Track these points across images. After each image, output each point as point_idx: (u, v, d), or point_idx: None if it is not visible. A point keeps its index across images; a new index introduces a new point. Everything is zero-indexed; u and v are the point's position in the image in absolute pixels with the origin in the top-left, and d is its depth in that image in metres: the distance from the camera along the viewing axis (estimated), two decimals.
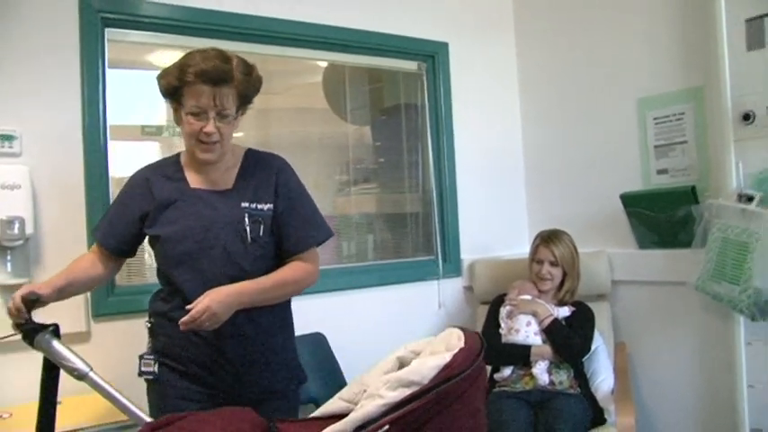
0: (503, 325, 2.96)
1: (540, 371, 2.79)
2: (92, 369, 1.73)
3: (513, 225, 3.69)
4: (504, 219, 3.70)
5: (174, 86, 1.84)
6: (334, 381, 2.96)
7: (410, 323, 3.38)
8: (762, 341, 2.62)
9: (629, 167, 3.19)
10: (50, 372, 1.74)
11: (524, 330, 2.86)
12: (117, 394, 1.71)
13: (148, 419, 1.66)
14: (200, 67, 1.81)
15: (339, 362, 3.01)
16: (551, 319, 2.85)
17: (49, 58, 2.48)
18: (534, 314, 2.88)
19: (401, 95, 3.60)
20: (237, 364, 1.92)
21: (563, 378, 2.81)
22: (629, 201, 3.12)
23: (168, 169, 1.99)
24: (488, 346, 2.43)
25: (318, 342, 3.01)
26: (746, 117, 2.59)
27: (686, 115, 2.97)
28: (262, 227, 1.94)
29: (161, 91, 1.90)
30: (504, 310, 2.99)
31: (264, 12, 2.98)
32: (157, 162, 2.07)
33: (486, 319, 3.06)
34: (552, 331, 2.82)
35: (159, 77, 1.89)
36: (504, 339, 2.90)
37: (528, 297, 2.96)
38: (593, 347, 2.90)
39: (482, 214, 3.62)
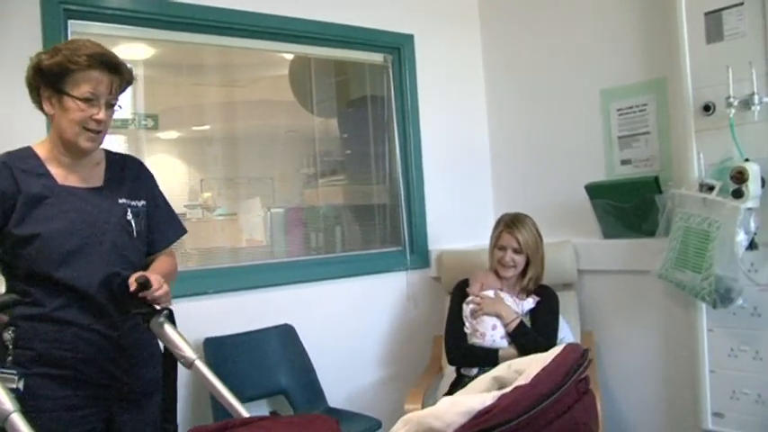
0: (467, 324, 2.84)
1: None
2: (199, 357, 1.73)
3: (479, 216, 3.72)
4: (470, 209, 3.73)
5: (63, 68, 1.75)
6: (304, 372, 2.98)
7: (378, 314, 3.40)
8: (722, 328, 2.68)
9: (594, 158, 3.24)
10: (169, 358, 1.75)
11: (490, 334, 2.74)
12: (220, 386, 1.70)
13: (246, 414, 1.64)
14: (98, 52, 1.78)
15: (308, 353, 3.02)
16: (517, 322, 2.74)
17: (9, 51, 2.43)
18: (499, 316, 2.76)
19: (367, 87, 3.60)
20: (131, 356, 1.89)
21: None
22: (594, 191, 3.16)
23: (25, 164, 1.83)
24: (455, 347, 2.80)
25: (287, 333, 3.02)
26: (707, 108, 2.63)
27: (649, 106, 3.02)
28: (143, 221, 1.97)
29: (39, 72, 1.78)
30: (467, 308, 2.86)
31: (230, 4, 2.96)
32: (6, 153, 1.86)
33: (450, 314, 2.94)
34: (518, 336, 2.73)
35: (41, 58, 1.78)
36: (469, 340, 2.79)
37: (491, 293, 2.83)
38: (560, 337, 2.91)
39: (449, 205, 3.64)
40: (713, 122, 2.63)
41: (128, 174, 2.00)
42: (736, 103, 2.52)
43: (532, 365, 1.11)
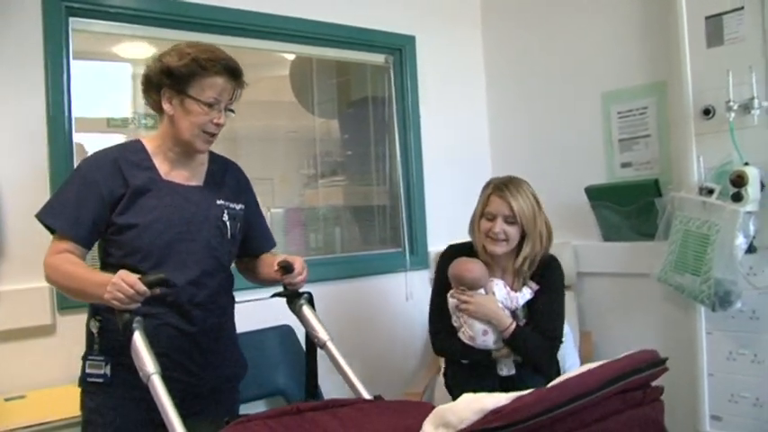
0: (453, 317, 2.40)
1: (507, 369, 2.38)
2: (331, 339, 1.89)
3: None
4: (470, 211, 3.67)
5: (192, 72, 1.81)
6: (302, 373, 2.96)
7: (378, 315, 3.40)
8: (721, 331, 2.69)
9: (594, 161, 3.25)
10: (310, 340, 1.94)
11: (481, 339, 2.32)
12: (346, 367, 1.84)
13: (368, 396, 1.78)
14: (225, 59, 1.85)
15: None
16: (512, 329, 2.28)
17: (10, 48, 2.44)
18: (489, 323, 2.31)
19: (368, 88, 3.60)
20: (207, 353, 1.93)
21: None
22: (594, 193, 3.17)
23: (133, 156, 1.89)
24: (443, 344, 2.44)
25: (286, 334, 3.01)
26: (707, 112, 2.64)
27: (649, 110, 3.03)
28: (238, 225, 2.02)
29: (166, 73, 1.83)
30: (452, 301, 2.39)
31: (232, 3, 2.96)
32: (118, 146, 1.96)
33: (434, 299, 2.52)
34: (515, 343, 2.30)
35: (169, 60, 1.83)
36: (458, 332, 2.38)
37: (481, 291, 2.36)
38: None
39: (449, 207, 3.64)
40: (713, 126, 2.64)
41: (229, 177, 2.07)
42: (736, 107, 2.53)
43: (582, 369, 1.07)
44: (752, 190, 2.49)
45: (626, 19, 3.13)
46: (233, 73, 1.87)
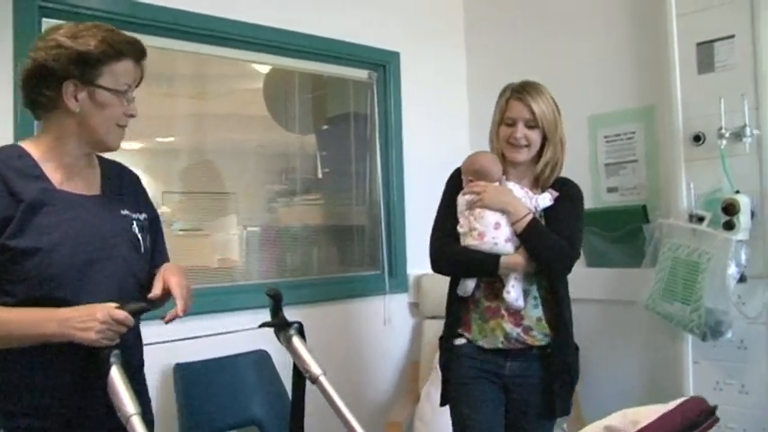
0: (461, 221, 2.20)
1: (515, 294, 2.12)
2: (324, 373, 1.72)
3: None
4: None
5: (105, 56, 1.54)
6: (278, 400, 2.85)
7: (355, 341, 3.30)
8: (708, 361, 2.65)
9: (580, 184, 3.17)
10: (297, 371, 1.79)
11: (491, 235, 2.10)
12: (341, 404, 1.67)
13: None
14: (134, 40, 1.60)
15: (284, 380, 2.89)
16: (528, 219, 2.09)
17: None
18: (505, 212, 2.12)
19: (351, 104, 3.51)
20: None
21: (538, 314, 2.18)
22: None
23: (17, 162, 1.54)
24: (441, 248, 2.26)
25: (262, 360, 2.89)
26: (697, 138, 2.62)
27: (637, 134, 3.00)
28: (147, 236, 1.74)
29: (73, 60, 1.51)
30: (462, 200, 2.21)
31: (211, 10, 2.87)
32: None
33: (440, 209, 2.35)
34: (530, 238, 2.09)
35: (79, 42, 1.52)
36: (463, 241, 2.17)
37: (496, 184, 2.20)
38: None
39: (430, 228, 3.56)
40: (703, 153, 2.62)
41: (125, 183, 1.78)
42: (728, 135, 2.51)
43: (651, 415, 1.06)
44: (743, 218, 2.47)
45: (615, 43, 3.11)
46: (142, 55, 1.63)
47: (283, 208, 3.36)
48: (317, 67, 3.31)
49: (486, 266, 2.13)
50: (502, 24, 3.66)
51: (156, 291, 1.63)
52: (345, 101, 3.50)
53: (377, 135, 3.46)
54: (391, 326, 3.42)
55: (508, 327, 2.17)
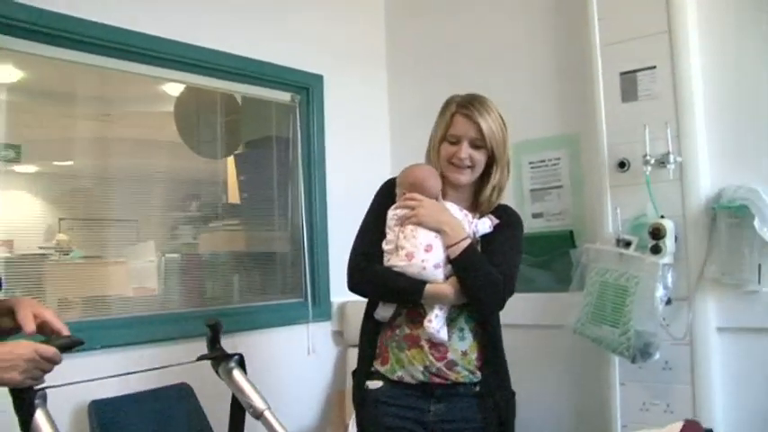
0: (388, 236, 1.96)
1: (437, 325, 1.89)
2: (269, 408, 1.64)
3: None
4: None
5: None
6: None
7: (278, 371, 3.17)
8: (635, 382, 2.70)
9: None
10: (237, 406, 1.71)
11: (421, 257, 1.87)
12: None
13: None
14: None
15: (207, 415, 2.73)
16: (466, 244, 1.87)
17: None
18: (441, 232, 1.90)
19: (273, 127, 3.41)
20: None
21: (464, 347, 1.97)
22: None
23: None
24: (359, 265, 1.98)
25: (184, 394, 2.74)
26: (622, 165, 2.69)
27: (562, 161, 3.06)
28: None
29: None
30: (392, 214, 1.98)
31: (117, 22, 2.68)
32: None
33: (365, 220, 2.11)
34: (464, 266, 1.87)
35: None
36: (386, 260, 1.94)
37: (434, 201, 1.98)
38: None
39: None
40: (628, 179, 2.69)
41: None
42: (652, 161, 2.59)
43: None
44: (669, 242, 2.54)
45: (540, 71, 3.17)
46: None
47: (203, 234, 3.21)
48: (237, 88, 3.20)
49: (408, 294, 1.89)
50: (424, 50, 3.67)
51: (32, 326, 1.44)
52: (267, 124, 3.40)
53: (299, 159, 3.38)
54: (315, 355, 3.31)
55: (429, 359, 1.93)
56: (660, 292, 2.52)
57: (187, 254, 3.10)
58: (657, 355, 2.56)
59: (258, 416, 1.67)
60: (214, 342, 1.80)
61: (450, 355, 1.94)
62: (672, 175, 2.59)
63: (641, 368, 2.63)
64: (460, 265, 1.87)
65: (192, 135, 3.29)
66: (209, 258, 3.17)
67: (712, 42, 2.62)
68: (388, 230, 1.97)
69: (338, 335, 3.39)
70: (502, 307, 2.01)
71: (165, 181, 3.13)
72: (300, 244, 3.37)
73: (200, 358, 1.78)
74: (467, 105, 1.99)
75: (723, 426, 2.60)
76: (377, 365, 2.01)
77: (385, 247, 1.96)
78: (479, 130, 1.95)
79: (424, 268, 1.87)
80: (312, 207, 3.38)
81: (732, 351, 2.58)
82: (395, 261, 1.90)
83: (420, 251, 1.88)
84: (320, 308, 3.35)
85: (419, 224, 1.90)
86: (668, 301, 2.56)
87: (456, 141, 1.98)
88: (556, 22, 3.15)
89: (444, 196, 2.04)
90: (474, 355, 1.99)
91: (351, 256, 2.04)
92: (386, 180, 2.15)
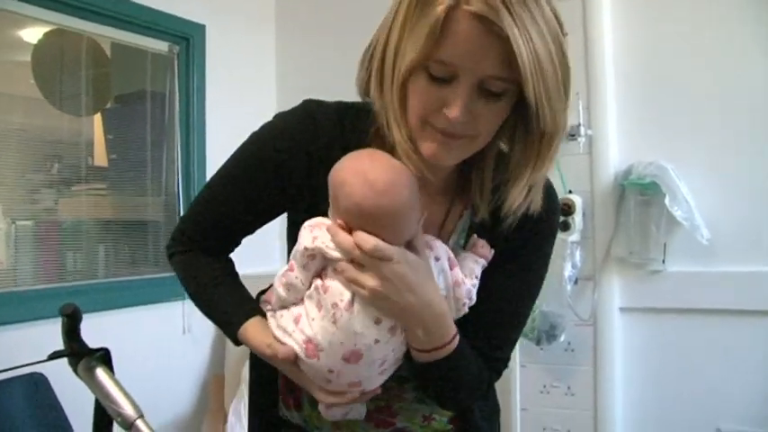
0: (293, 274, 1.00)
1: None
2: (142, 416, 1.20)
3: (266, 237, 3.34)
4: (264, 234, 3.33)
5: None
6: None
7: (151, 353, 2.85)
8: (535, 364, 2.62)
9: None
10: (101, 414, 1.24)
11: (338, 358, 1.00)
12: None
13: None
14: None
15: (64, 407, 2.40)
16: (450, 350, 1.00)
17: None
18: (407, 329, 0.98)
19: (147, 80, 3.02)
20: None
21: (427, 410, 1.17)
22: None
23: None
24: (175, 248, 1.19)
25: (37, 384, 2.37)
26: None
27: None
28: None
29: None
30: (312, 239, 0.98)
31: None
32: None
33: (220, 178, 1.19)
34: (437, 377, 1.02)
35: None
36: (267, 309, 1.09)
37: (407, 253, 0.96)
38: None
39: None
40: None
41: None
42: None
43: None
44: (578, 219, 2.45)
45: None
46: None
47: (64, 199, 2.80)
48: (108, 32, 2.80)
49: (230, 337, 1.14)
50: (313, 6, 3.41)
51: None
52: (141, 77, 3.00)
53: (176, 117, 3.03)
54: (191, 335, 3.01)
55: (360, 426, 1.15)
56: (568, 272, 2.42)
57: (44, 221, 2.69)
58: (563, 337, 2.47)
59: (128, 426, 1.34)
60: (71, 334, 1.45)
61: (399, 423, 1.16)
62: (582, 148, 2.49)
63: (543, 350, 2.55)
64: (428, 375, 1.03)
65: (52, 89, 2.86)
66: (71, 226, 2.78)
67: (625, 13, 2.53)
68: (293, 259, 1.01)
69: None
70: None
71: (19, 140, 2.71)
72: (176, 211, 3.06)
73: (53, 356, 1.42)
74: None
75: (622, 408, 2.56)
76: (285, 409, 1.23)
77: (267, 307, 1.08)
78: (508, 55, 0.85)
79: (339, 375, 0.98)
80: (190, 170, 3.07)
81: (634, 332, 2.53)
82: (282, 336, 1.01)
83: (336, 343, 0.96)
84: None
85: (372, 305, 0.95)
86: (575, 281, 2.47)
87: (449, 78, 0.89)
88: None
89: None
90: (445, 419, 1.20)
91: (182, 219, 1.24)
92: (277, 118, 1.16)
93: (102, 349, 1.38)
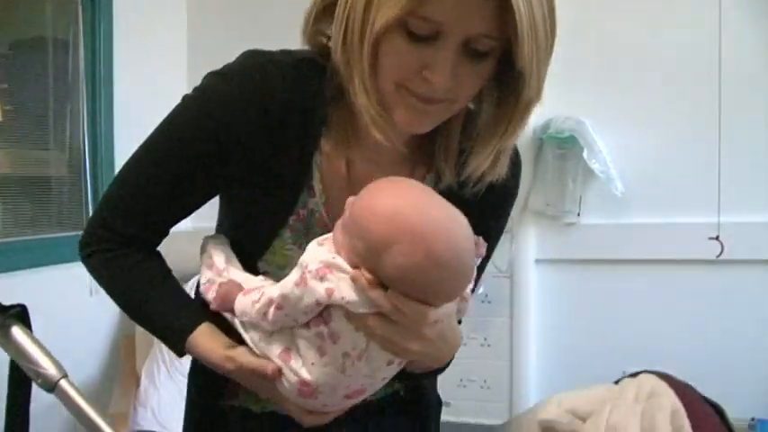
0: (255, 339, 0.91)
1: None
2: (65, 376, 1.07)
3: None
4: None
5: None
6: None
7: (55, 316, 2.68)
8: None
9: None
10: (18, 377, 1.12)
11: (341, 393, 0.90)
12: (94, 414, 1.02)
13: None
14: None
15: None
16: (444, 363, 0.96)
17: None
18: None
19: (48, 26, 2.82)
20: None
21: None
22: None
23: None
24: (96, 245, 1.05)
25: None
26: None
27: None
28: None
29: None
30: (348, 294, 0.79)
31: None
32: None
33: (148, 154, 1.06)
34: (416, 378, 1.00)
35: None
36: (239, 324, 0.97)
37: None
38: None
39: None
40: None
41: None
42: None
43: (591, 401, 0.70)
44: None
45: None
46: None
47: None
48: None
49: (170, 347, 1.04)
50: None
51: None
52: (40, 21, 2.80)
53: (81, 67, 2.85)
54: (99, 297, 2.85)
55: None
56: None
57: None
58: (482, 289, 2.51)
59: (51, 388, 1.21)
60: None
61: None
62: None
63: None
64: (418, 376, 0.99)
65: None
66: None
67: None
68: (281, 299, 0.85)
69: None
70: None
71: None
72: (81, 167, 2.89)
73: None
74: None
75: (536, 357, 2.65)
76: (225, 398, 1.11)
77: (251, 311, 0.89)
78: (501, 11, 0.78)
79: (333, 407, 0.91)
80: (96, 124, 2.90)
81: (549, 283, 2.61)
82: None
83: (341, 386, 0.86)
84: None
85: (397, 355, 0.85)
86: None
87: (431, 36, 0.80)
88: None
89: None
90: None
91: (93, 217, 1.07)
92: (218, 77, 0.98)
93: (17, 305, 1.26)
